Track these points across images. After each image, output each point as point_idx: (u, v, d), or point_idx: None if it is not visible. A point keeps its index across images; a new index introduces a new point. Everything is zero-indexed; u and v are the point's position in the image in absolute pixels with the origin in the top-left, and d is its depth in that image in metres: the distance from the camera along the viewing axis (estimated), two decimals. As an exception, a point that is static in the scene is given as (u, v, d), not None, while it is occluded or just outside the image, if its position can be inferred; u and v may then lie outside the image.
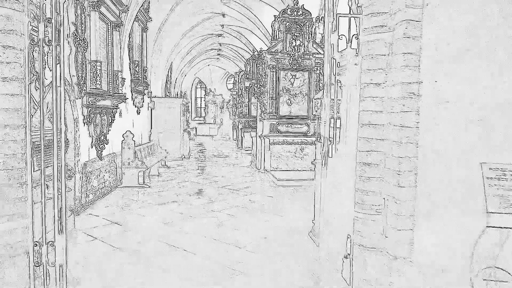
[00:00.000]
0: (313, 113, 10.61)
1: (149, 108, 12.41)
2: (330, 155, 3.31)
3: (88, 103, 6.42)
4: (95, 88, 6.48)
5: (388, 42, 2.89)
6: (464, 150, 2.64)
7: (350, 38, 3.05)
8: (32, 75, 3.30)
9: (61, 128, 2.85)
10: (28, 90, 2.71)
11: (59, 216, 2.90)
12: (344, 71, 3.26)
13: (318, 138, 4.62)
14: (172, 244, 4.69)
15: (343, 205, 3.53)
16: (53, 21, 2.72)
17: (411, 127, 2.75)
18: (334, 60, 3.21)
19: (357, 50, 3.10)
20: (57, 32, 2.76)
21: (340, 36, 3.07)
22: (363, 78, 3.02)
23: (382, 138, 2.96)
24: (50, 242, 2.78)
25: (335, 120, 3.32)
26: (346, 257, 3.22)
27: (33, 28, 3.04)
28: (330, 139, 3.34)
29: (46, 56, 2.91)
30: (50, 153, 3.25)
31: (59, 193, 2.79)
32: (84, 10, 6.16)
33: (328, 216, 3.85)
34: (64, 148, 2.95)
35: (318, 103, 4.65)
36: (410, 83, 2.75)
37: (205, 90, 29.23)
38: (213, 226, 5.45)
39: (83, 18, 6.14)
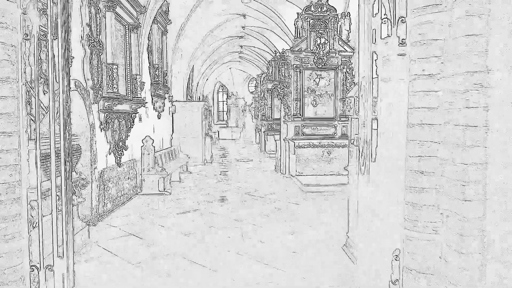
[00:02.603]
0: (340, 114, 10.04)
1: (170, 113, 12.17)
2: (373, 160, 2.81)
3: (104, 108, 6.14)
4: (112, 92, 6.21)
5: (445, 24, 2.38)
6: (551, 155, 2.09)
7: (396, 21, 2.55)
8: (40, 77, 2.97)
9: (60, 134, 2.48)
10: (21, 91, 2.36)
11: (65, 235, 2.54)
12: (386, 63, 2.75)
13: (353, 141, 4.11)
14: (191, 259, 4.28)
15: (387, 220, 3.01)
16: (48, 11, 2.36)
17: (478, 127, 2.22)
18: (375, 50, 2.71)
19: (404, 35, 2.59)
20: (54, 25, 2.40)
21: (383, 20, 2.58)
22: (412, 68, 2.51)
23: (439, 140, 2.43)
24: (49, 267, 2.41)
25: (377, 120, 2.82)
26: (394, 283, 2.70)
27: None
28: (370, 142, 2.84)
29: (52, 52, 2.57)
30: (58, 163, 2.91)
31: (59, 211, 2.41)
32: (99, 11, 5.90)
33: (368, 231, 3.34)
34: (66, 157, 2.59)
35: (350, 102, 4.18)
36: (475, 72, 2.22)
37: (227, 94, 29.02)
38: (237, 238, 5.01)
39: (98, 19, 5.87)
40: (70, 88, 3.01)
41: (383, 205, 3.04)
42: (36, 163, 2.41)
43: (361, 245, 3.47)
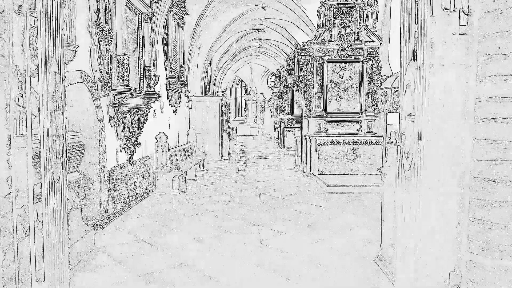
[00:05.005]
0: (365, 109, 9.36)
1: (187, 108, 11.77)
2: (421, 161, 2.26)
3: (114, 102, 5.75)
4: (122, 85, 5.80)
5: (531, -14, 1.80)
6: None
7: (461, -13, 1.98)
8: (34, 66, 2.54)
9: (41, 132, 2.04)
10: (-9, 78, 1.92)
11: (51, 253, 2.10)
12: (444, 41, 2.18)
13: (390, 139, 3.54)
14: (203, 270, 3.83)
15: (435, 237, 2.46)
16: (23, -21, 1.90)
17: None
18: (432, 25, 2.15)
19: (468, 6, 2.02)
20: (31, -4, 1.95)
21: (444, -15, 2.01)
22: (483, 47, 1.94)
23: (519, 140, 1.86)
24: (26, 292, 1.98)
25: (430, 114, 2.26)
26: (452, 319, 2.15)
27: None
28: (423, 139, 2.29)
29: (27, 31, 2.13)
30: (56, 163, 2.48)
31: (38, 224, 1.97)
32: (108, -3, 5.49)
33: (409, 248, 2.78)
34: (55, 158, 2.15)
35: (385, 94, 3.62)
36: None
37: (245, 89, 28.54)
38: (254, 246, 4.53)
39: (107, 6, 5.46)
40: (64, 78, 2.58)
41: (432, 218, 2.48)
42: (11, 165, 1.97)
43: (400, 265, 2.92)
